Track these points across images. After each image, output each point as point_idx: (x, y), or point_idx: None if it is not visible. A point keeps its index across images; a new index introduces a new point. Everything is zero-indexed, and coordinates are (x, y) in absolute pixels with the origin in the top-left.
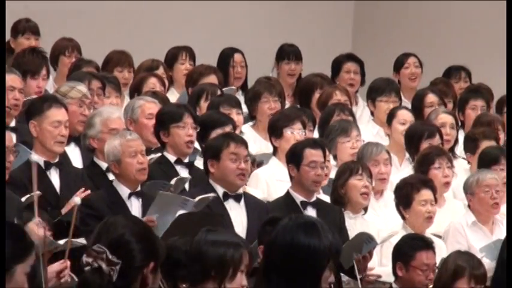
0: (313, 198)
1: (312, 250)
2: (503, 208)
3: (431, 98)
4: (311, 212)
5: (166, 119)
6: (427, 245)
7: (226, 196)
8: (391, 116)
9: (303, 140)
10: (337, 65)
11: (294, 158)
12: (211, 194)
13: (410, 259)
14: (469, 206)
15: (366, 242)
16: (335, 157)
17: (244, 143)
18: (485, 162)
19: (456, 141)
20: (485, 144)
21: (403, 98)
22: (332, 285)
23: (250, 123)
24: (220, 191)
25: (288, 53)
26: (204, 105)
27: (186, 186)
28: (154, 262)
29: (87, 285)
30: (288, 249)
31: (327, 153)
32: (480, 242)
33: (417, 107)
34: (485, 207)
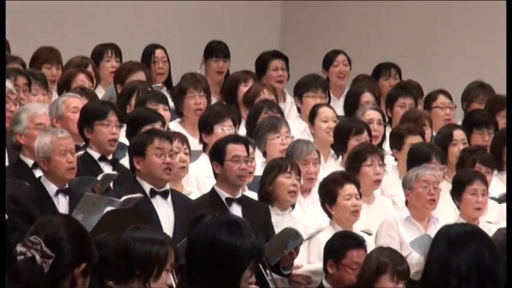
0: (239, 195)
1: (233, 249)
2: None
3: (367, 96)
4: (236, 208)
5: (90, 115)
6: (359, 243)
7: (153, 193)
8: (313, 114)
9: (225, 136)
10: (262, 63)
11: (217, 154)
12: (138, 195)
13: (342, 257)
14: (406, 201)
15: (292, 237)
16: (264, 154)
17: (169, 138)
18: (416, 159)
19: (384, 137)
20: (410, 140)
21: (332, 95)
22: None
23: (178, 119)
24: (147, 188)
25: (216, 51)
26: (134, 102)
27: (111, 184)
28: (85, 263)
29: (18, 274)
30: (209, 248)
31: (251, 149)
32: (413, 238)
33: (352, 105)
34: (422, 202)
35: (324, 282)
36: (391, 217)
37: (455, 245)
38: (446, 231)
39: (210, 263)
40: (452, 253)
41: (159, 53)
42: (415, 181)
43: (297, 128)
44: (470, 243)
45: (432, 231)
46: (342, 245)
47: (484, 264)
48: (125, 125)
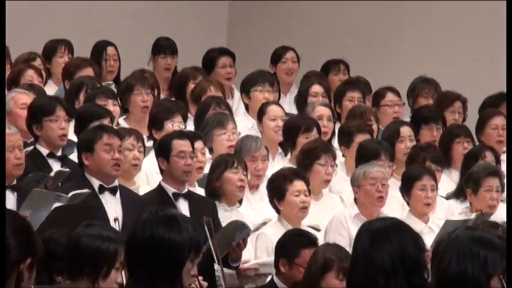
0: (185, 190)
1: (172, 243)
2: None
3: (315, 88)
4: (183, 203)
5: (38, 112)
6: (312, 242)
7: (102, 189)
8: (261, 112)
9: (170, 132)
10: (210, 60)
11: (162, 150)
12: (86, 190)
13: (295, 256)
14: (355, 198)
15: (239, 229)
16: (211, 150)
17: (118, 134)
18: (364, 156)
19: (333, 133)
20: (359, 137)
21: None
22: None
23: (123, 116)
24: (95, 184)
25: (163, 47)
26: (83, 98)
27: None
28: (30, 258)
29: None
30: (149, 243)
31: (201, 144)
32: None
33: (301, 100)
34: (371, 200)
35: (276, 281)
36: (340, 214)
37: (378, 240)
38: (367, 227)
39: (151, 259)
40: (376, 249)
41: (110, 50)
42: (363, 179)
43: (245, 124)
44: (391, 237)
45: None
46: (295, 244)
47: (408, 257)
48: (73, 121)
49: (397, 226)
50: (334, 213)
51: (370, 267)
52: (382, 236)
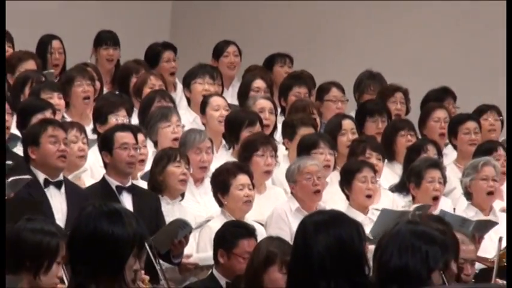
0: (129, 183)
1: (115, 238)
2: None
3: (258, 83)
4: (126, 197)
5: None
6: (250, 233)
7: (47, 183)
8: (204, 104)
9: (112, 125)
10: (154, 55)
11: (105, 143)
12: (26, 176)
13: (233, 246)
14: (292, 193)
15: (181, 227)
16: (156, 144)
17: (62, 126)
18: (304, 148)
19: (275, 127)
20: (303, 130)
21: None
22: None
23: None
24: (41, 177)
25: (105, 39)
26: (28, 92)
27: None
28: None
29: None
30: (91, 238)
31: (142, 137)
32: None
33: (243, 94)
34: (308, 194)
35: (215, 272)
36: (280, 209)
37: (317, 232)
38: (308, 220)
39: (93, 254)
40: (315, 241)
41: (55, 43)
42: (298, 174)
43: (187, 118)
44: (331, 229)
45: None
46: (232, 234)
47: (348, 250)
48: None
49: (337, 218)
50: (273, 208)
51: (309, 260)
52: (321, 229)
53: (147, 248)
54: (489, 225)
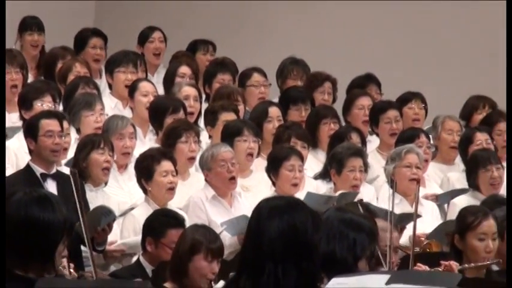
0: (53, 170)
1: (46, 224)
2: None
3: (183, 69)
4: (51, 184)
5: None
6: (179, 223)
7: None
8: (133, 88)
9: (38, 111)
10: (82, 40)
11: (30, 130)
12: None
13: (161, 236)
14: (206, 180)
15: (104, 214)
16: (78, 130)
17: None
18: (228, 135)
19: (200, 114)
20: (224, 116)
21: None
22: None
23: None
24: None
25: (30, 25)
26: None
27: None
28: None
29: None
30: (22, 224)
31: (66, 124)
32: (220, 215)
33: (169, 81)
34: (223, 181)
35: (142, 260)
36: (196, 197)
37: (271, 218)
38: (263, 204)
39: (24, 240)
40: (267, 225)
41: None
42: (212, 161)
43: (108, 104)
44: (285, 215)
45: (236, 207)
46: (162, 223)
47: (300, 237)
48: None
49: (293, 205)
50: (189, 196)
51: (260, 247)
52: (276, 213)
53: (84, 233)
54: (411, 216)
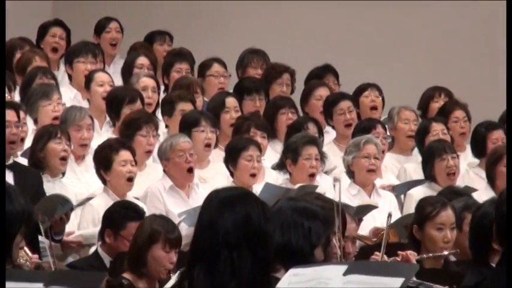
0: (10, 161)
1: (5, 215)
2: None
3: (141, 60)
4: (8, 175)
5: None
6: (140, 215)
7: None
8: (89, 79)
9: None
10: (43, 29)
11: None
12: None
13: (120, 228)
14: (164, 171)
15: (61, 203)
16: (36, 121)
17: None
18: (186, 126)
19: (157, 104)
20: (181, 106)
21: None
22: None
23: None
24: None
25: None
26: None
27: None
28: None
29: None
30: None
31: (23, 114)
32: (178, 206)
33: (127, 72)
34: (181, 172)
35: (100, 251)
36: (154, 187)
37: (224, 208)
38: (214, 196)
39: None
40: (221, 218)
41: None
42: (171, 151)
43: (68, 95)
44: (238, 206)
45: (194, 198)
46: (121, 215)
47: (253, 228)
48: None
49: (244, 196)
50: (147, 186)
51: (214, 238)
52: (228, 205)
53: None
54: (369, 208)
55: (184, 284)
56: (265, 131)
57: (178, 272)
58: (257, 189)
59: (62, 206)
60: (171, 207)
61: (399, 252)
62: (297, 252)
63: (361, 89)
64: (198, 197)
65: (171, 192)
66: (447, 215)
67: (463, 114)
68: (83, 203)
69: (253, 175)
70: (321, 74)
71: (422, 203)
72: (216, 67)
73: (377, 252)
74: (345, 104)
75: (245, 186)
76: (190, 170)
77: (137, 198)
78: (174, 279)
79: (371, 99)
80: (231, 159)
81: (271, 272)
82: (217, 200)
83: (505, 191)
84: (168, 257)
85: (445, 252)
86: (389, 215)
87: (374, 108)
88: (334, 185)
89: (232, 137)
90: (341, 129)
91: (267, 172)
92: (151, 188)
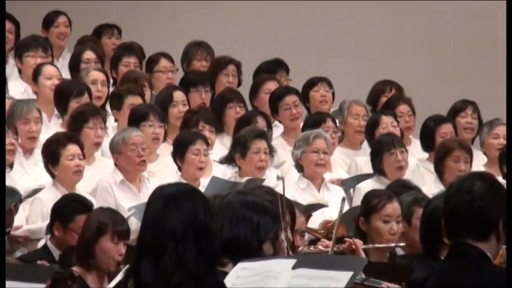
0: None
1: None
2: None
3: (88, 54)
4: None
5: None
6: (87, 208)
7: None
8: (36, 72)
9: None
10: None
11: None
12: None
13: (69, 221)
14: (115, 164)
15: (9, 195)
16: None
17: None
18: (134, 120)
19: (107, 98)
20: (130, 99)
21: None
22: None
23: None
24: None
25: None
26: None
27: None
28: None
29: None
30: None
31: None
32: (128, 200)
33: (74, 66)
34: (133, 165)
35: (49, 244)
36: (105, 181)
37: (169, 205)
38: (160, 192)
39: None
40: (167, 213)
41: None
42: (123, 145)
43: (18, 89)
44: (184, 202)
45: (145, 192)
46: (70, 208)
47: (198, 222)
48: None
49: (189, 192)
50: (98, 180)
51: (160, 232)
52: (174, 201)
53: None
54: (318, 206)
55: (130, 280)
56: (213, 125)
57: (124, 268)
58: (204, 183)
59: (10, 197)
60: (122, 201)
61: (346, 239)
62: (246, 246)
63: (311, 83)
64: (149, 191)
65: (121, 186)
66: (393, 207)
67: (407, 109)
68: (31, 194)
69: (201, 169)
70: (272, 68)
71: (369, 196)
72: (163, 62)
73: (323, 239)
74: (291, 99)
75: (193, 180)
76: (142, 163)
77: (88, 193)
78: (120, 275)
79: (321, 93)
80: (179, 153)
81: (217, 266)
82: (163, 196)
83: (454, 185)
84: (117, 248)
85: (392, 244)
86: (343, 199)
87: (324, 101)
88: (277, 183)
89: (180, 130)
90: (287, 123)
91: (214, 166)
92: (101, 182)
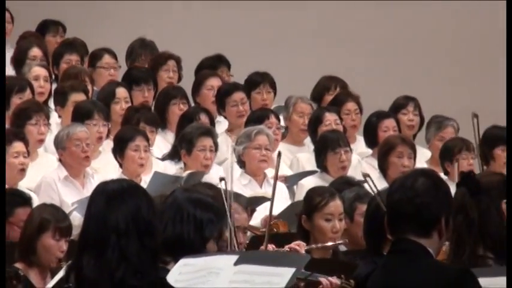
0: None
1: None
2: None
3: (34, 51)
4: None
5: None
6: (26, 201)
7: None
8: None
9: None
10: None
11: None
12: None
13: (9, 215)
14: (60, 160)
15: None
16: None
17: None
18: (79, 117)
19: (50, 94)
20: (74, 96)
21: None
22: None
23: None
24: None
25: None
26: None
27: None
28: None
29: None
30: None
31: None
32: (72, 196)
33: (19, 62)
34: (77, 160)
35: None
36: (49, 177)
37: (113, 201)
38: (103, 188)
39: None
40: (110, 209)
41: None
42: (67, 140)
43: None
44: (127, 199)
45: (89, 188)
46: (8, 202)
47: (142, 219)
48: None
49: (133, 188)
50: (42, 176)
51: (103, 227)
52: (118, 197)
53: None
54: (261, 200)
55: (72, 276)
56: (154, 125)
57: (66, 264)
58: (146, 179)
59: None
60: (66, 197)
61: (286, 246)
62: (189, 244)
63: (253, 83)
64: (93, 187)
65: (65, 182)
66: (335, 205)
67: (354, 107)
68: None
69: (141, 165)
70: (214, 64)
71: (311, 193)
72: (106, 58)
73: (272, 245)
74: (238, 96)
75: (134, 176)
76: (87, 159)
77: (32, 190)
78: (62, 272)
79: (262, 97)
80: (119, 150)
81: (159, 263)
82: (106, 192)
83: (397, 181)
84: (58, 245)
85: (334, 243)
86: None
87: (264, 105)
88: (220, 182)
89: (121, 127)
90: (233, 119)
91: (155, 162)
92: (45, 178)
